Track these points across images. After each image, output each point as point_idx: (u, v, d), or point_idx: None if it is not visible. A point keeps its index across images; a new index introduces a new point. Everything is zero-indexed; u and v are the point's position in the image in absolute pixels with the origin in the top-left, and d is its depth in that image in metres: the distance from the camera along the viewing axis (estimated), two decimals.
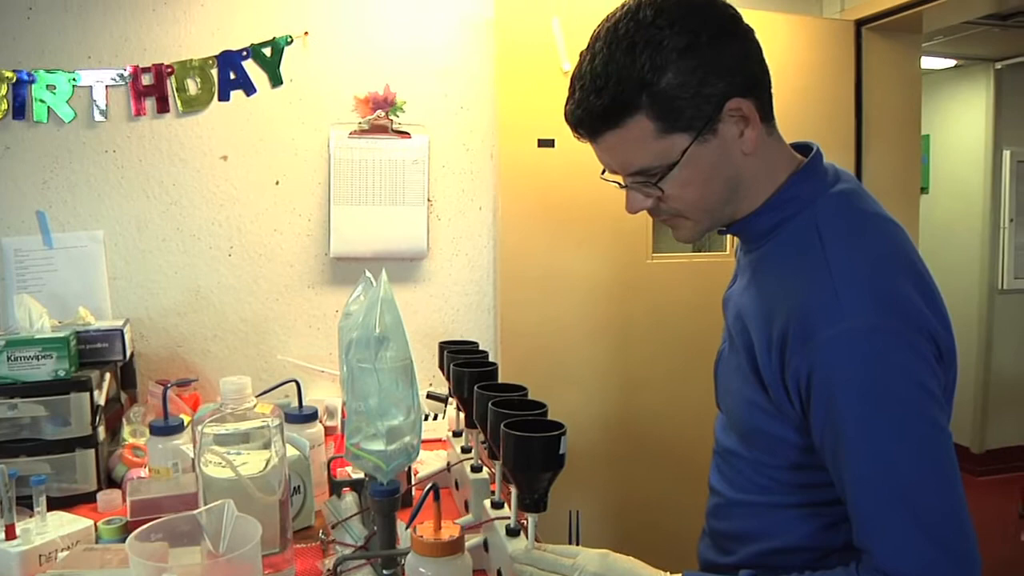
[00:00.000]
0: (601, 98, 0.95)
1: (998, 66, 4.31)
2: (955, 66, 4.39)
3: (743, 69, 0.96)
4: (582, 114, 0.98)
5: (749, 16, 1.00)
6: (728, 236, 1.33)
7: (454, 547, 0.97)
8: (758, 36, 1.00)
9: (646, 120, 0.94)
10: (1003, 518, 3.77)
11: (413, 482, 1.56)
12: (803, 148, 1.08)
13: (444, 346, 1.58)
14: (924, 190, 4.66)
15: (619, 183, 1.06)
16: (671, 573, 0.96)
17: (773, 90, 1.01)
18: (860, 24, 2.61)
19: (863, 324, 0.87)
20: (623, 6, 0.97)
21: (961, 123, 4.55)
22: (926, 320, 0.88)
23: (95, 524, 1.38)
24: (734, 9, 0.98)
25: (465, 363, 1.37)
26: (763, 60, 1.00)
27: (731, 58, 0.95)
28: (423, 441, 1.25)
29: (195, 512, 0.99)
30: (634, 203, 1.05)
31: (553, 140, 2.28)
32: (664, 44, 0.91)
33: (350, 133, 2.24)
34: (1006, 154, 4.41)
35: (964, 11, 2.58)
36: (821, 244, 0.95)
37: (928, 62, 4.12)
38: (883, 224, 0.99)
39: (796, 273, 0.96)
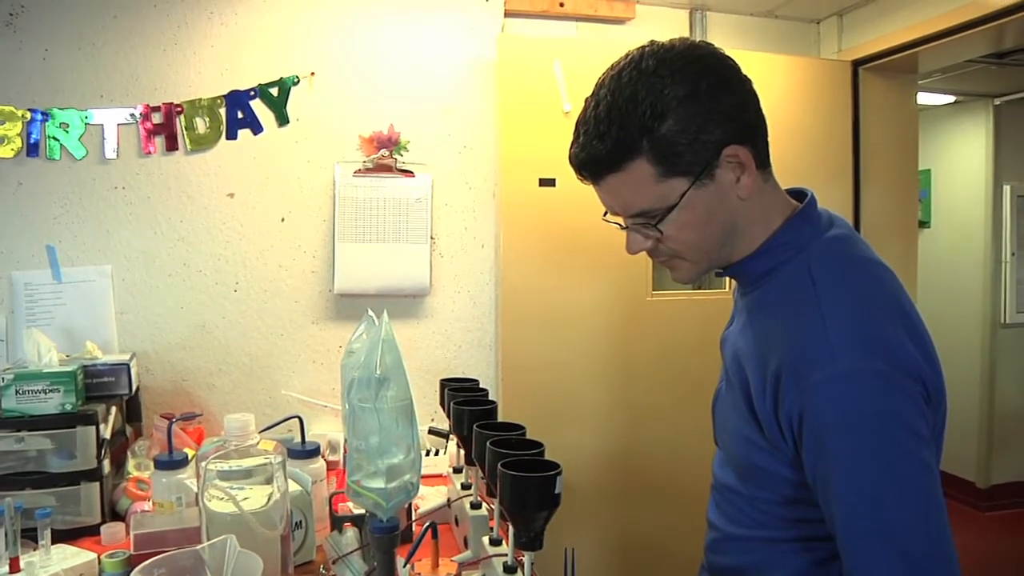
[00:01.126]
0: (604, 143, 0.99)
1: (997, 102, 4.36)
2: (955, 102, 4.44)
3: (740, 117, 1.00)
4: (585, 157, 1.02)
5: (749, 58, 1.03)
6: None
7: None
8: (758, 77, 1.03)
9: (646, 164, 0.98)
10: (1009, 554, 3.75)
11: (413, 518, 1.57)
12: (798, 194, 1.11)
13: (445, 383, 1.60)
14: (926, 224, 4.69)
15: (620, 224, 1.09)
16: None
17: (772, 129, 1.05)
18: (857, 64, 2.66)
19: (853, 367, 0.89)
20: (627, 55, 1.01)
21: (962, 158, 4.59)
22: (914, 363, 0.90)
23: (98, 557, 1.39)
24: (733, 60, 1.02)
25: (465, 401, 1.39)
26: (760, 109, 1.03)
27: (729, 107, 0.98)
28: (424, 476, 1.27)
29: (198, 547, 1.01)
30: (634, 244, 1.08)
31: (554, 179, 2.30)
32: (665, 92, 0.95)
33: (355, 171, 2.27)
34: (1006, 188, 4.44)
35: (959, 52, 2.61)
36: (814, 288, 0.97)
37: (928, 98, 4.17)
38: (874, 269, 1.01)
39: (789, 316, 0.99)
